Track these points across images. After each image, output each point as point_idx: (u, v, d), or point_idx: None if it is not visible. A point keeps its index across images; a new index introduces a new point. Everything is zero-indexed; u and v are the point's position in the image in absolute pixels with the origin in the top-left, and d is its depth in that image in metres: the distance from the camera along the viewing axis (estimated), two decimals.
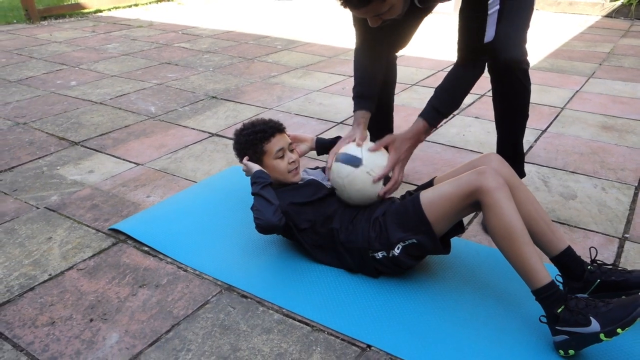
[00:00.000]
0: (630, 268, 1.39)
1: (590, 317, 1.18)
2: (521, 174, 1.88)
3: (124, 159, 2.38)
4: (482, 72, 1.63)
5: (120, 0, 6.45)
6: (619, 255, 1.67)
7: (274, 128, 1.64)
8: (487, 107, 2.97)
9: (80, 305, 1.46)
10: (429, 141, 2.53)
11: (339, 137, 1.78)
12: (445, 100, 1.64)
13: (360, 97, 1.73)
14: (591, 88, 3.40)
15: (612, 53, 4.34)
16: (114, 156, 2.41)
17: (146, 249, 1.71)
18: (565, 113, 2.93)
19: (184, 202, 1.99)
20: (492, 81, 1.75)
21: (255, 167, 1.59)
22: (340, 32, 5.18)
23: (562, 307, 1.22)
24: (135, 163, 2.34)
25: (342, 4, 1.39)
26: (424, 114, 1.63)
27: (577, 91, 3.33)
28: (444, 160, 2.35)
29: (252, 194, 1.54)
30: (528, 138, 2.53)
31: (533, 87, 1.77)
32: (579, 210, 1.93)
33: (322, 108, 3.04)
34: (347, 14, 1.50)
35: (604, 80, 3.57)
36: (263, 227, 1.49)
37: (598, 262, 1.41)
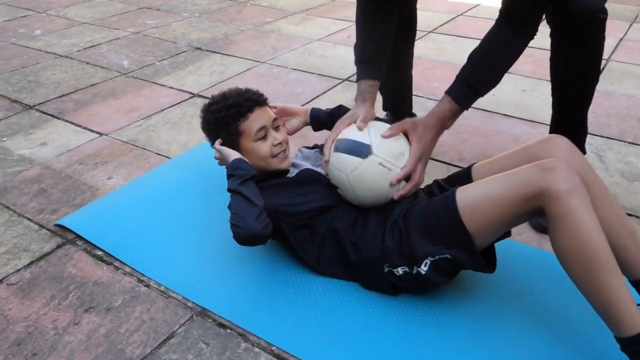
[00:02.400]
0: None
1: None
2: (582, 152, 1.47)
3: (85, 128, 1.97)
4: (535, 34, 1.21)
5: None
6: None
7: (251, 100, 1.22)
8: (521, 58, 2.51)
9: (3, 340, 1.10)
10: None
11: (341, 107, 1.37)
12: (483, 74, 1.21)
13: (366, 62, 1.31)
14: (636, 35, 2.92)
15: None
16: (73, 124, 2.00)
17: (100, 253, 1.34)
18: (611, 66, 2.48)
19: (152, 186, 1.60)
20: (555, 36, 1.32)
21: (233, 154, 1.19)
22: None
23: None
24: (98, 133, 1.94)
25: None
26: (452, 92, 1.20)
27: (621, 39, 2.86)
28: (472, 127, 1.93)
29: (229, 190, 1.15)
30: None
31: None
32: None
33: (324, 61, 2.59)
34: None
35: None
36: (242, 237, 1.11)
37: None
